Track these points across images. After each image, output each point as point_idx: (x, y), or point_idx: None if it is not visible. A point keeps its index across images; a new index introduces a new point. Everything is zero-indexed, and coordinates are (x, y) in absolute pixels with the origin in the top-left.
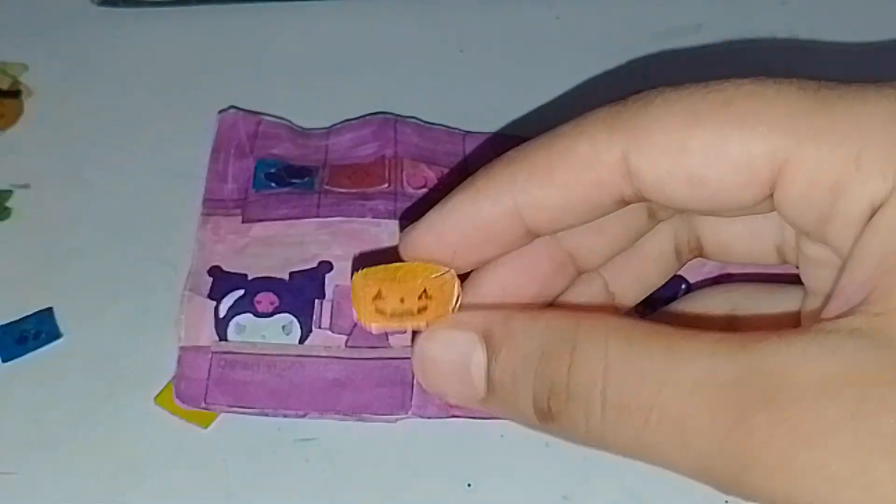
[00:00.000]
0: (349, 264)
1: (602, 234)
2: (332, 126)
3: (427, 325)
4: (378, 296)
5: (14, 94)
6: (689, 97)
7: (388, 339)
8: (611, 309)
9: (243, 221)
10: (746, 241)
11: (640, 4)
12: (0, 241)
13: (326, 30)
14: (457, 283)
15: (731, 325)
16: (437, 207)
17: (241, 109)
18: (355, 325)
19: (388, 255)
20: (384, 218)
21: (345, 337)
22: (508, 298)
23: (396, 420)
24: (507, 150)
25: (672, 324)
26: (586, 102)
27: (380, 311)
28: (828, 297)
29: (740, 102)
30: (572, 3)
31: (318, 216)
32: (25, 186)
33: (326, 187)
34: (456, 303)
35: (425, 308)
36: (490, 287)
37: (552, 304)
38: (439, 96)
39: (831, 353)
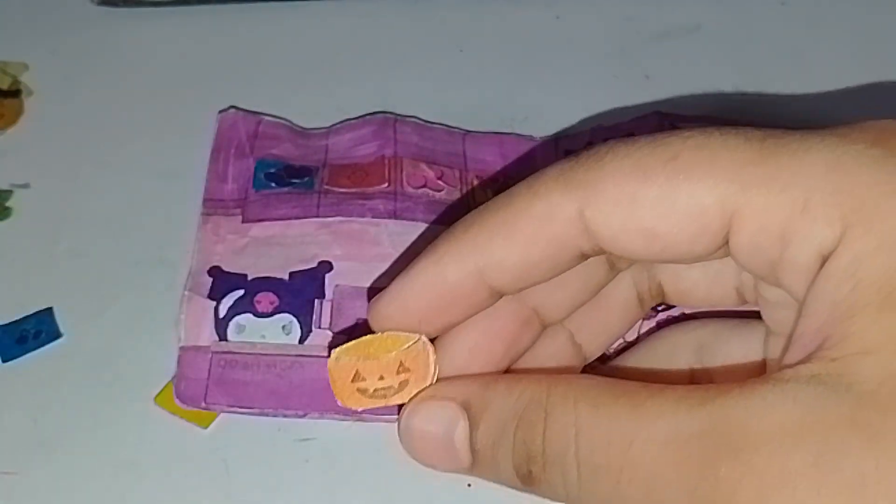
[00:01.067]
0: (349, 264)
1: (564, 287)
2: (331, 126)
3: (409, 399)
4: (356, 377)
5: (14, 93)
6: (637, 152)
7: None
8: (580, 364)
9: (243, 221)
10: (706, 286)
11: (640, 4)
12: (0, 241)
13: (326, 30)
14: (431, 350)
15: (697, 375)
16: (401, 275)
17: (241, 109)
18: (355, 325)
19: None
20: (384, 218)
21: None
22: (477, 360)
23: (396, 420)
24: (507, 150)
25: (638, 377)
26: (586, 102)
27: (361, 392)
28: (788, 339)
29: (687, 155)
30: (572, 3)
31: (317, 216)
32: (25, 186)
33: (326, 187)
34: (434, 372)
35: (406, 382)
36: (458, 350)
37: (521, 364)
38: (439, 96)
39: (792, 400)
